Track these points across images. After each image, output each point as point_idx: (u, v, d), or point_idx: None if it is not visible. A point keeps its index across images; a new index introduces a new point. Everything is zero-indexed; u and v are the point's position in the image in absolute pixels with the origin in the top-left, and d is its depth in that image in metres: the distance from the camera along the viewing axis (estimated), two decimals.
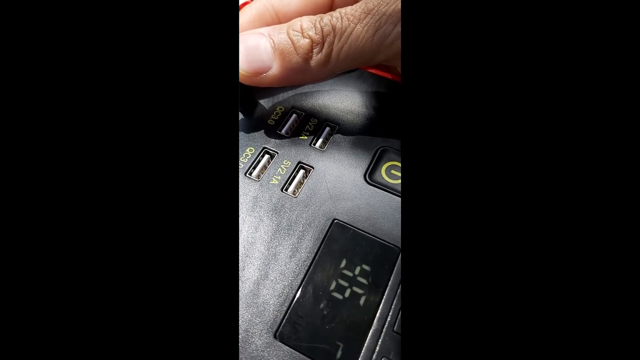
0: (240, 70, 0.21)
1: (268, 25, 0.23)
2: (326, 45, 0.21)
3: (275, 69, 0.21)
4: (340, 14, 0.21)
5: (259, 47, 0.21)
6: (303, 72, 0.21)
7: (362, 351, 0.17)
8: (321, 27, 0.21)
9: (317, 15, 0.21)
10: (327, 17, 0.21)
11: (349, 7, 0.21)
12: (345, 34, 0.21)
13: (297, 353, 0.17)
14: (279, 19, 0.24)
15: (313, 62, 0.21)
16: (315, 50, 0.21)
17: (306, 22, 0.21)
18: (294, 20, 0.21)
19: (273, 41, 0.21)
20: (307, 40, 0.21)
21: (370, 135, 0.24)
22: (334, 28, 0.21)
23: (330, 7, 0.25)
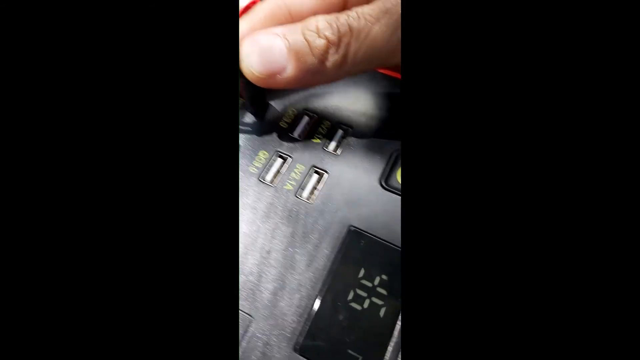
0: (254, 72, 0.20)
1: (281, 24, 0.22)
2: (343, 46, 0.20)
3: (290, 70, 0.20)
4: (358, 14, 0.20)
5: (273, 48, 0.20)
6: (319, 73, 0.21)
7: None
8: (338, 27, 0.20)
9: (332, 15, 0.20)
10: (343, 17, 0.20)
11: (366, 6, 0.20)
12: (363, 34, 0.20)
13: None
14: (292, 17, 0.23)
15: (329, 64, 0.20)
16: (331, 51, 0.20)
17: (322, 21, 0.20)
18: (309, 19, 0.21)
19: (288, 41, 0.20)
20: (323, 41, 0.20)
21: (384, 138, 0.23)
22: (351, 28, 0.20)
23: (344, 6, 0.24)
